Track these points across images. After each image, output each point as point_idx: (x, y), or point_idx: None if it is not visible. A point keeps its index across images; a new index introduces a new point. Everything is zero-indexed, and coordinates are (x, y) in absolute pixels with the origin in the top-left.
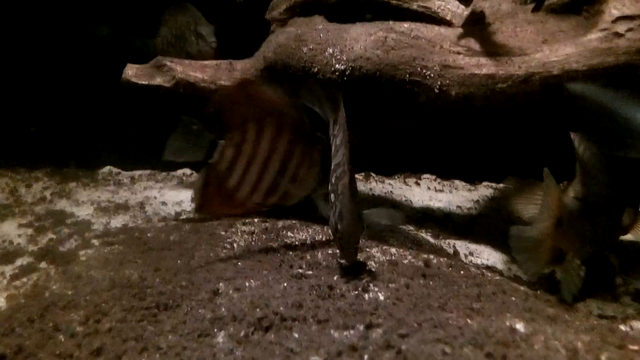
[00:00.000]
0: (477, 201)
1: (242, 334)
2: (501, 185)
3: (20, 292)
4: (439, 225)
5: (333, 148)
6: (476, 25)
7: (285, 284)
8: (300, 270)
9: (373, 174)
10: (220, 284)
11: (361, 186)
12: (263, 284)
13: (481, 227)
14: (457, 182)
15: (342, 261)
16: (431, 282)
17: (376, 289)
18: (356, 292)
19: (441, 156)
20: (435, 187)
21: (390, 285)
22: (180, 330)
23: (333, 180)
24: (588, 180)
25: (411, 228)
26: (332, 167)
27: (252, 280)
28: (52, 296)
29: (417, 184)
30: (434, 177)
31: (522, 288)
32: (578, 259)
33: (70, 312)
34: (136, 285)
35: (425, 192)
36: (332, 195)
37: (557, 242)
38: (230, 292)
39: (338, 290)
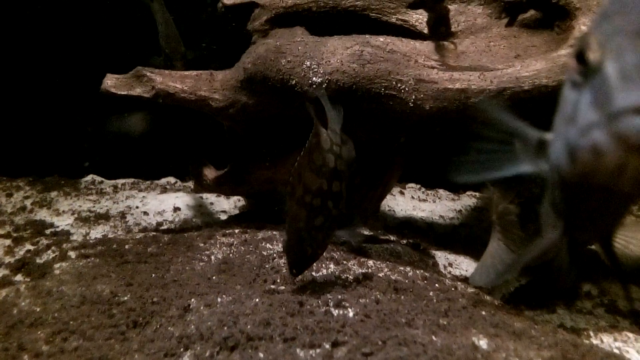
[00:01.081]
0: (460, 211)
1: (207, 354)
2: (483, 195)
3: None
4: (421, 235)
5: None
6: (440, 29)
7: (257, 300)
8: (273, 286)
9: None
10: (192, 300)
11: None
12: (234, 299)
13: (462, 238)
14: (441, 191)
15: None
16: (402, 297)
17: (346, 305)
18: (325, 308)
19: (426, 165)
20: (419, 197)
21: (360, 300)
22: (147, 350)
23: None
24: (527, 185)
25: (392, 239)
26: None
27: (224, 296)
28: (20, 313)
29: (402, 193)
30: (418, 186)
31: (496, 301)
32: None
33: (37, 330)
34: (106, 302)
35: (409, 202)
36: None
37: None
38: (201, 308)
39: (308, 307)
